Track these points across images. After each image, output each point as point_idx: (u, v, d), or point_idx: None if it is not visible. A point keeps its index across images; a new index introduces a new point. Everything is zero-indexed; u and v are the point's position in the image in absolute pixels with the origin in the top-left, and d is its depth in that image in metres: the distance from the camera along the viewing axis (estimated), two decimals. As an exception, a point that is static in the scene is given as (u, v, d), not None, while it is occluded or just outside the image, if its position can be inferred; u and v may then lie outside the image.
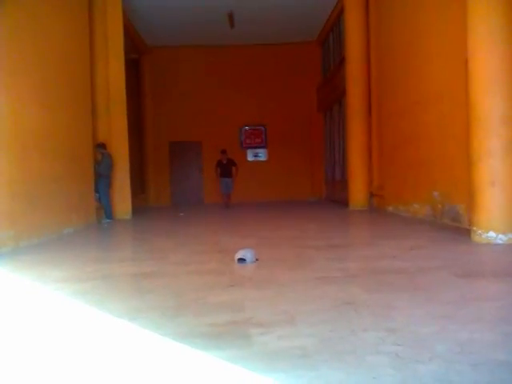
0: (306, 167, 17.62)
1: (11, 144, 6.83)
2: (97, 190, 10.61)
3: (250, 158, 17.57)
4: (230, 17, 14.09)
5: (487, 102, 5.73)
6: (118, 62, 11.59)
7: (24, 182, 7.14)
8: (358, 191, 11.85)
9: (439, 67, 7.99)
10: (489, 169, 5.74)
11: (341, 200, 13.74)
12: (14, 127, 6.93)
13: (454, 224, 7.57)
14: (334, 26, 15.20)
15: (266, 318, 3.01)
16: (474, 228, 5.94)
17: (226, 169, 13.74)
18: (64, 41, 9.03)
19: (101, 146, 10.75)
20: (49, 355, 2.53)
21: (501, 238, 5.66)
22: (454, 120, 7.40)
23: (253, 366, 2.26)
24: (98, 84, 11.08)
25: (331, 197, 16.06)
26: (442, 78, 7.91)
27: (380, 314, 3.00)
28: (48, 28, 8.27)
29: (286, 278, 4.18)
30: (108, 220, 10.64)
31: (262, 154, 17.73)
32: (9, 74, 6.83)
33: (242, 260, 4.92)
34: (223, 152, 13.91)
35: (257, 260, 5.01)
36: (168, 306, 3.41)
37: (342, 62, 13.45)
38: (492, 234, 5.70)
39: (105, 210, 10.77)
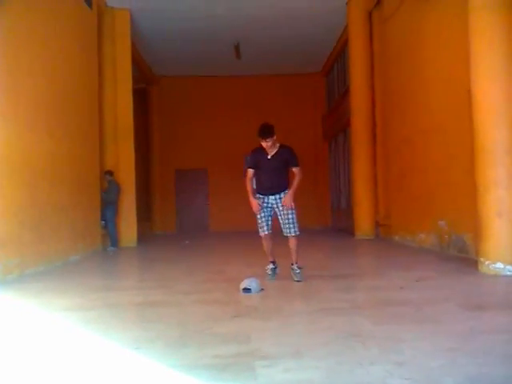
0: (311, 196, 17.58)
1: (19, 172, 6.90)
2: (103, 218, 10.64)
3: (254, 185, 17.57)
4: (237, 48, 14.38)
5: (491, 131, 5.73)
6: (126, 90, 11.80)
7: (31, 209, 7.18)
8: (363, 220, 11.79)
9: (444, 96, 8.05)
10: (495, 199, 5.69)
11: (347, 229, 13.68)
12: (22, 155, 7.00)
13: (460, 254, 7.50)
14: (339, 57, 15.45)
15: (271, 349, 2.97)
16: (482, 259, 5.87)
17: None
18: (73, 70, 9.21)
19: (108, 174, 10.85)
20: (52, 386, 2.50)
21: (509, 269, 5.57)
22: (460, 149, 7.40)
23: (258, 399, 2.23)
24: (105, 112, 11.25)
25: (337, 225, 16.00)
26: (447, 107, 7.96)
27: (387, 347, 2.96)
28: (57, 58, 8.45)
29: (292, 309, 4.15)
30: (113, 248, 10.63)
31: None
32: (17, 102, 6.95)
33: (247, 290, 4.88)
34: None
35: (262, 290, 4.98)
36: (173, 336, 3.38)
37: (346, 92, 13.60)
38: (500, 265, 5.62)
39: (110, 237, 10.77)
